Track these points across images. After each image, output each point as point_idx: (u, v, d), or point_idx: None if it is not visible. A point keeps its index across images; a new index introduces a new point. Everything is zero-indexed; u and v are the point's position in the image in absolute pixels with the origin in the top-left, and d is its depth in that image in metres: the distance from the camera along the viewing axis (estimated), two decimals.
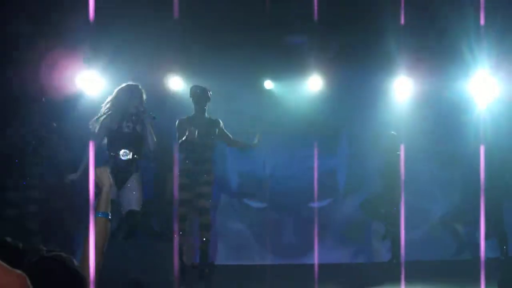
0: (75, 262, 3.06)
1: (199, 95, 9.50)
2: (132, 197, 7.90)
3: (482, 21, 10.01)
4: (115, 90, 8.27)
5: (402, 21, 10.17)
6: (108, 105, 8.10)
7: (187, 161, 9.21)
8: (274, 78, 11.49)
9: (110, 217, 4.08)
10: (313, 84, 11.12)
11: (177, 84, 11.34)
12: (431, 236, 11.52)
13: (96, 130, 7.92)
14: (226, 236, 11.66)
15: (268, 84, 11.48)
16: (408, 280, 8.86)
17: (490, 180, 11.14)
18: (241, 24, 10.76)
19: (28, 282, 2.58)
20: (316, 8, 9.90)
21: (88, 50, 10.30)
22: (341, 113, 11.71)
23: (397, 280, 8.79)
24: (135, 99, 8.12)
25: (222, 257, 11.41)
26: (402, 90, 11.80)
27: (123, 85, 8.32)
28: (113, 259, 6.26)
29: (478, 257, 11.59)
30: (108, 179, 4.19)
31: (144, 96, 8.28)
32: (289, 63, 11.23)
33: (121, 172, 7.87)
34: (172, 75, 11.27)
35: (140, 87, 8.30)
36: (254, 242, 11.10)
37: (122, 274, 6.24)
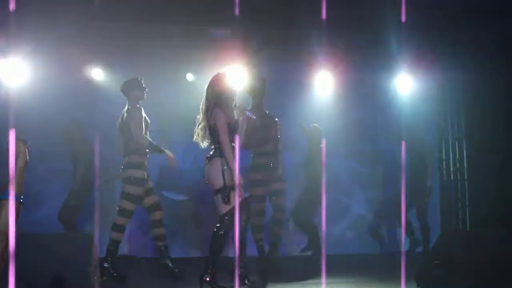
0: None
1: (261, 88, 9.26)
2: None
3: (403, 18, 10.12)
4: (215, 82, 7.88)
5: (324, 15, 10.21)
6: (222, 97, 7.76)
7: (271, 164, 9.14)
8: (195, 70, 11.43)
9: (22, 200, 3.73)
10: (236, 77, 11.09)
11: (98, 74, 11.22)
12: (350, 231, 11.64)
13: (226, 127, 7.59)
14: (147, 229, 11.55)
15: (190, 77, 11.42)
16: (328, 273, 8.91)
17: (413, 176, 11.35)
18: (163, 15, 10.67)
19: None
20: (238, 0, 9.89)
21: (8, 39, 10.11)
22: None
23: (317, 273, 8.82)
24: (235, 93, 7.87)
25: (143, 250, 11.31)
26: (324, 85, 11.87)
27: (218, 75, 7.95)
28: (29, 251, 6.15)
29: (398, 251, 11.79)
30: (25, 154, 3.86)
31: None
32: (211, 56, 11.17)
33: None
34: (93, 66, 11.14)
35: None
36: (178, 235, 11.03)
37: (39, 267, 6.11)
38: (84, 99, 11.15)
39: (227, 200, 7.44)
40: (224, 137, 7.54)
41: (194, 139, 7.88)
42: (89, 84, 11.18)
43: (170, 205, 11.45)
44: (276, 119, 9.46)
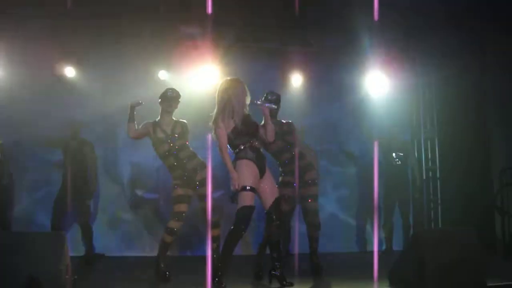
0: None
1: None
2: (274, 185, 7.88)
3: (375, 18, 10.15)
4: (226, 87, 7.74)
5: (296, 10, 10.21)
6: (227, 102, 7.65)
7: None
8: (168, 68, 11.37)
9: None
10: (208, 75, 11.08)
11: (69, 72, 11.15)
12: (322, 230, 11.62)
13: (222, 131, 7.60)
14: (118, 227, 11.49)
15: (162, 75, 11.36)
16: (301, 271, 8.90)
17: (391, 175, 11.40)
18: (135, 13, 10.64)
19: None
20: None
21: None
22: None
23: (291, 271, 8.80)
24: (245, 93, 7.75)
25: (113, 248, 11.23)
26: (296, 84, 11.88)
27: (231, 80, 7.82)
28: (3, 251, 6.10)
29: (370, 249, 11.82)
30: None
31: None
32: (183, 54, 11.15)
33: (260, 161, 7.68)
34: (64, 64, 11.07)
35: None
36: (146, 233, 10.98)
37: (10, 265, 6.06)
38: (56, 96, 11.07)
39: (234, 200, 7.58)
40: (223, 148, 7.64)
41: (215, 139, 7.84)
42: (61, 82, 11.10)
43: (142, 203, 11.46)
44: (290, 122, 9.40)
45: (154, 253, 8.98)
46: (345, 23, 10.75)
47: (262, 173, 7.67)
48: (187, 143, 8.84)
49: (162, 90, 8.95)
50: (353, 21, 10.45)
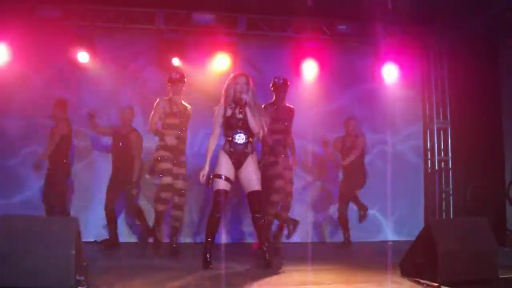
0: None
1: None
2: (252, 178, 7.95)
3: (389, 6, 10.10)
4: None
5: (310, 1, 10.17)
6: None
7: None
8: (180, 55, 11.34)
9: None
10: (220, 62, 11.10)
11: (83, 57, 11.12)
12: (334, 218, 11.60)
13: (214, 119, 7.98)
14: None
15: (176, 61, 11.35)
16: (313, 260, 8.90)
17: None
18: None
19: None
20: None
21: None
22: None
23: (301, 260, 8.81)
24: (240, 87, 7.91)
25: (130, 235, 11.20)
26: (309, 71, 11.83)
27: (231, 74, 8.16)
28: (12, 233, 6.09)
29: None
30: None
31: (251, 83, 8.00)
32: (195, 41, 11.15)
33: (237, 155, 7.87)
34: (78, 48, 11.04)
35: (245, 75, 8.04)
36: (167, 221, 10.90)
37: (22, 249, 6.05)
38: (69, 81, 11.06)
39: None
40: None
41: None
42: (74, 66, 11.07)
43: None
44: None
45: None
46: (358, 10, 10.69)
47: (238, 165, 7.89)
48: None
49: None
50: (366, 8, 10.39)
